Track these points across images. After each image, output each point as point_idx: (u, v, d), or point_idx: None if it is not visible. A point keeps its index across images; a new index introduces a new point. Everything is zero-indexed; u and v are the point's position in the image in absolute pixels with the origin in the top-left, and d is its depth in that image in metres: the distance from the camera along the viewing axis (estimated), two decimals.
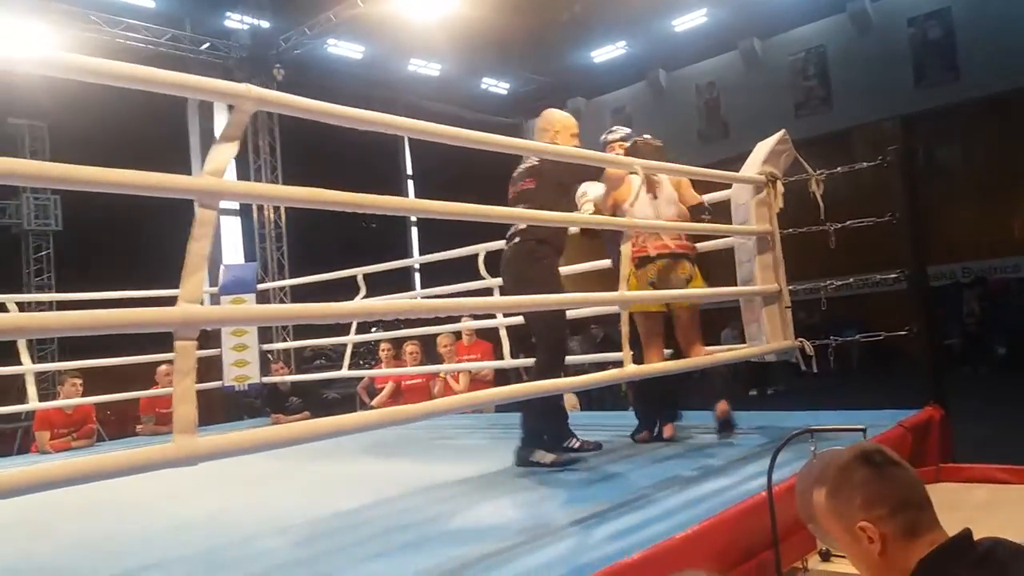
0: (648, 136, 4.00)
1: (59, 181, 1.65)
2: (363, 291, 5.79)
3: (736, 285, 3.96)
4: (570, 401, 6.34)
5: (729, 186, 4.06)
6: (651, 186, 3.74)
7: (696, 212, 3.80)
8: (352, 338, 6.19)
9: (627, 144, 3.95)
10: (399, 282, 10.76)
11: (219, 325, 2.10)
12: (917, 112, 15.23)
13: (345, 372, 6.50)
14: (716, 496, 2.57)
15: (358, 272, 5.81)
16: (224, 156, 1.79)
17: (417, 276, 17.29)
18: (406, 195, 17.84)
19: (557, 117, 3.69)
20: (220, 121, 15.16)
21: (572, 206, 3.62)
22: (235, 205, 15.15)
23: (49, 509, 3.33)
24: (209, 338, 6.56)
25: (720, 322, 12.98)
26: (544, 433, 3.44)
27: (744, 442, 3.57)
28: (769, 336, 3.77)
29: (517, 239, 3.49)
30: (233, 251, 14.63)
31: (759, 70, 17.61)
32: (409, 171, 18.68)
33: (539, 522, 2.45)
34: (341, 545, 2.44)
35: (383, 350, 7.23)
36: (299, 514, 2.92)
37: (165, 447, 1.61)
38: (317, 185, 2.06)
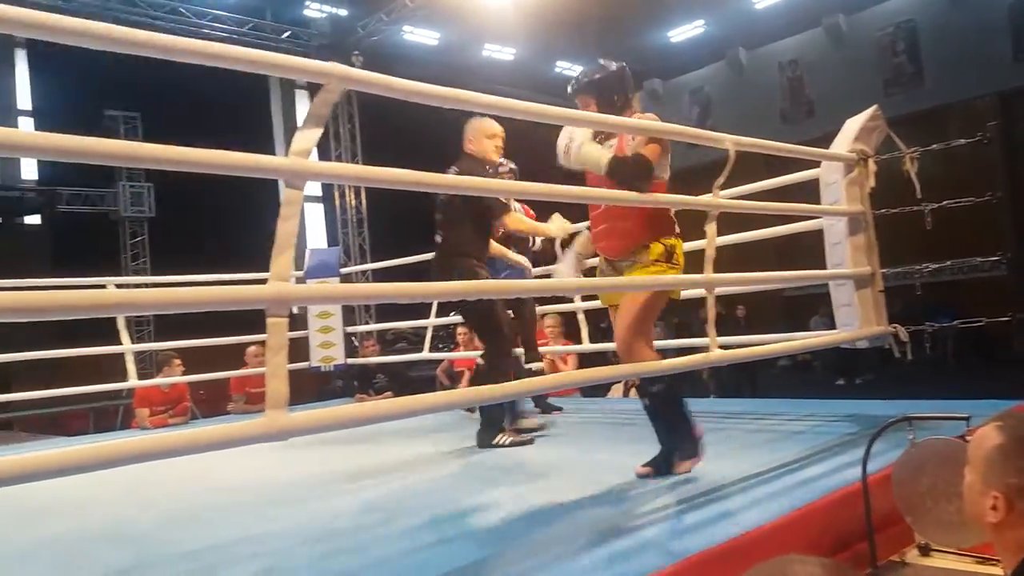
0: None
1: (153, 161, 1.70)
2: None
3: (825, 269, 3.82)
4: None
5: (817, 165, 3.91)
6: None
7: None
8: (432, 321, 6.24)
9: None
10: None
11: (308, 303, 2.15)
12: (1016, 88, 14.42)
13: (426, 355, 6.56)
14: (808, 484, 2.48)
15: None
16: (310, 137, 1.81)
17: None
18: None
19: (474, 126, 3.93)
20: (302, 112, 15.54)
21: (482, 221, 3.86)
22: (318, 192, 15.57)
23: (146, 483, 3.49)
24: (296, 320, 6.74)
25: (809, 308, 12.63)
26: (503, 418, 3.86)
27: (835, 430, 3.45)
28: (861, 321, 3.62)
29: (437, 252, 3.94)
30: (316, 237, 14.99)
31: (845, 46, 16.97)
32: None
33: (629, 508, 2.42)
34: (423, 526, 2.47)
35: (460, 334, 7.29)
36: (378, 489, 2.97)
37: (257, 422, 1.64)
38: None
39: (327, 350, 6.77)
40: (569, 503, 2.54)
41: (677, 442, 2.80)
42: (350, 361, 6.88)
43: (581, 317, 5.28)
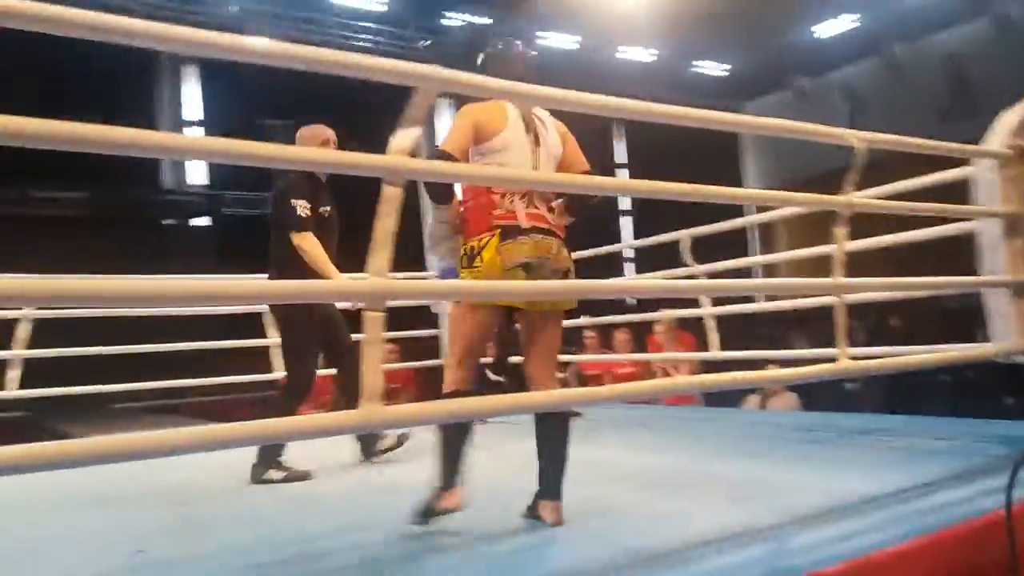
0: None
1: (266, 160, 1.77)
2: None
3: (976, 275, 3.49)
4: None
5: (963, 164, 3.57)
6: (532, 126, 2.62)
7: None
8: (578, 322, 6.23)
9: None
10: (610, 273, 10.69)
11: (406, 298, 2.16)
12: None
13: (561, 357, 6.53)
14: (945, 509, 2.27)
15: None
16: (408, 137, 1.83)
17: (630, 267, 17.26)
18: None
19: (304, 133, 3.70)
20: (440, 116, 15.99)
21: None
22: None
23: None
24: (432, 320, 6.92)
25: (975, 321, 11.62)
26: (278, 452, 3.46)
27: (985, 451, 3.14)
28: (1018, 334, 3.28)
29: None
30: None
31: (1014, 38, 15.55)
32: (622, 160, 18.57)
33: (742, 520, 2.30)
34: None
35: (588, 337, 7.23)
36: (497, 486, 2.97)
37: (353, 413, 1.67)
38: None
39: None
40: (683, 512, 2.45)
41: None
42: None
43: (711, 324, 5.09)
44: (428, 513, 2.37)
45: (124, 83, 12.22)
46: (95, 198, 12.40)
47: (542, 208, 2.56)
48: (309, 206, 3.57)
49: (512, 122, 2.55)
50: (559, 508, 2.40)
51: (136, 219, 13.18)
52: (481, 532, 2.35)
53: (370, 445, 3.80)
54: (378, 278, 1.74)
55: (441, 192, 2.52)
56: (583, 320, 6.58)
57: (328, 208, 3.73)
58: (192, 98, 14.44)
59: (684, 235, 5.02)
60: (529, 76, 2.45)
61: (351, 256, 3.19)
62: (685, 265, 5.05)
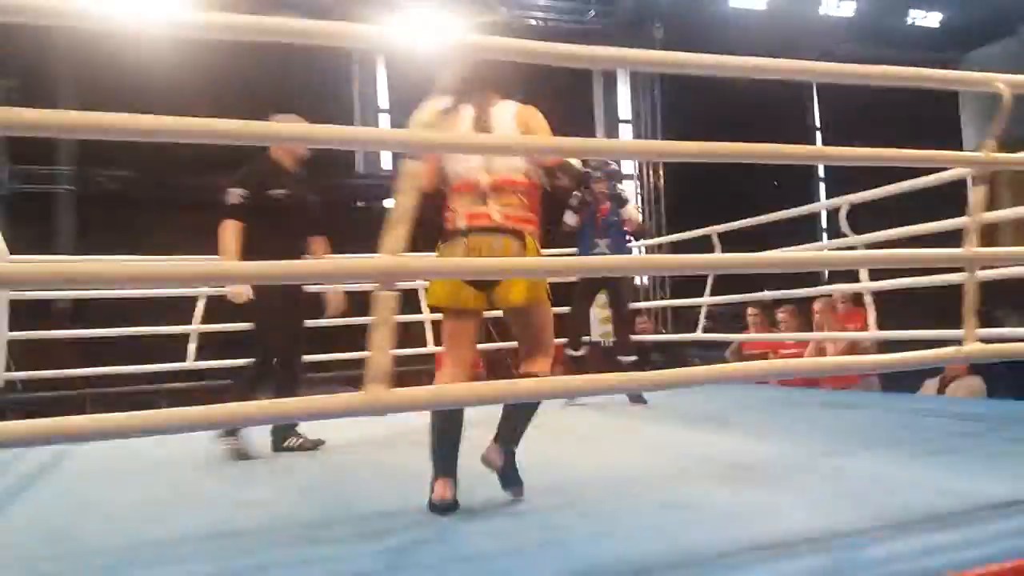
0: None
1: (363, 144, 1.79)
2: (718, 249, 5.49)
3: None
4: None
5: None
6: (482, 124, 2.58)
7: (551, 175, 2.64)
8: (706, 300, 5.91)
9: None
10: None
11: (420, 277, 2.14)
12: None
13: (699, 335, 6.23)
14: None
15: (712, 231, 5.53)
16: (430, 107, 1.78)
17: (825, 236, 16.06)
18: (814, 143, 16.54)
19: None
20: (623, 94, 15.65)
21: None
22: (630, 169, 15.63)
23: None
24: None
25: None
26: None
27: None
28: None
29: None
30: None
31: None
32: (817, 123, 17.24)
33: (884, 512, 2.07)
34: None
35: (750, 315, 6.83)
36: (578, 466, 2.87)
37: (357, 395, 1.66)
38: None
39: (606, 325, 6.77)
40: (760, 508, 2.23)
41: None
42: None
43: (868, 299, 4.60)
44: (435, 510, 2.38)
45: (322, 72, 12.96)
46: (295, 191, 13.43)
47: (494, 206, 2.54)
48: (242, 194, 3.64)
49: (459, 124, 2.56)
50: (493, 450, 2.49)
51: (333, 202, 14.13)
52: (537, 519, 2.29)
53: (280, 439, 3.69)
54: (389, 256, 1.70)
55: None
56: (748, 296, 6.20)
57: (283, 192, 3.71)
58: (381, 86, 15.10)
59: (841, 201, 4.56)
60: (513, 78, 2.65)
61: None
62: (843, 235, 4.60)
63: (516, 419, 2.54)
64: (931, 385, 5.56)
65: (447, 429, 2.44)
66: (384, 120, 15.14)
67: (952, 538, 1.90)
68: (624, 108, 16.23)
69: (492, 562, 1.90)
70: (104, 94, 11.39)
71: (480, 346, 6.38)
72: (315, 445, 3.70)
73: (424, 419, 2.41)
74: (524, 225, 2.57)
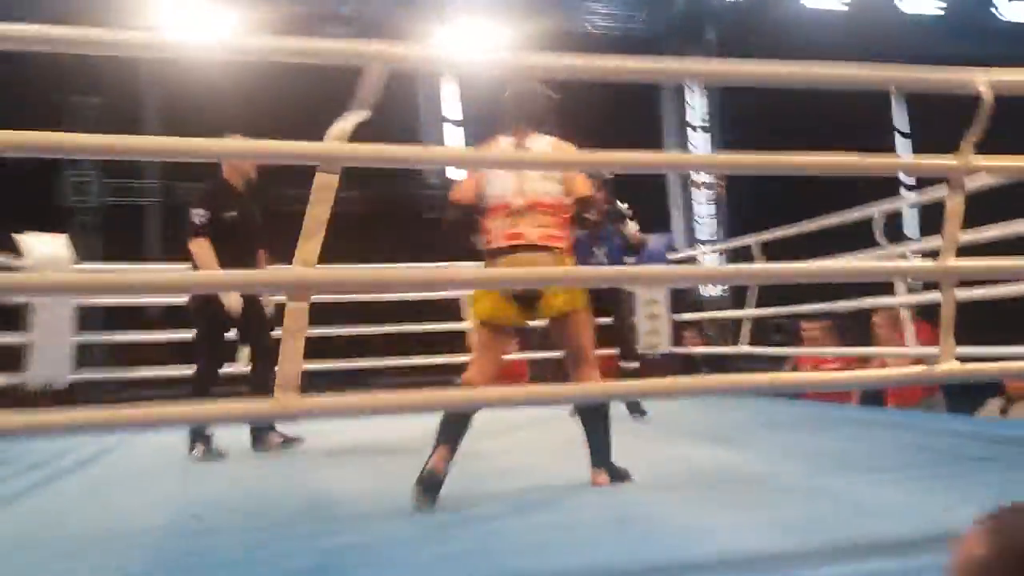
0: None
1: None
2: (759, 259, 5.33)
3: None
4: None
5: None
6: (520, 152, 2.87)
7: (582, 207, 2.88)
8: (750, 312, 5.74)
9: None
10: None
11: (331, 290, 2.19)
12: None
13: (742, 348, 6.04)
14: None
15: (752, 240, 5.37)
16: (351, 122, 1.80)
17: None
18: (895, 151, 15.83)
19: None
20: (695, 103, 15.38)
21: None
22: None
23: None
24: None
25: None
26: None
27: None
28: None
29: None
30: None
31: None
32: (903, 128, 16.50)
33: (767, 544, 1.97)
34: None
35: (804, 329, 6.57)
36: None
37: (266, 402, 1.69)
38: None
39: (652, 337, 6.66)
40: (707, 526, 2.16)
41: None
42: (674, 350, 6.65)
43: (905, 315, 4.36)
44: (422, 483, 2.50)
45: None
46: (368, 195, 13.75)
47: (528, 226, 2.78)
48: (205, 214, 3.80)
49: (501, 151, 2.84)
50: (598, 473, 2.78)
51: (403, 213, 14.39)
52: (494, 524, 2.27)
53: (262, 438, 3.88)
54: (302, 268, 1.73)
55: (458, 236, 2.95)
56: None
57: (234, 214, 3.86)
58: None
59: (876, 210, 4.35)
60: (546, 113, 2.94)
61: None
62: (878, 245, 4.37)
63: (592, 436, 2.82)
64: (994, 405, 5.22)
65: (455, 417, 2.64)
66: (448, 130, 15.38)
67: (905, 565, 1.79)
68: (694, 113, 16.00)
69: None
70: (184, 111, 12.04)
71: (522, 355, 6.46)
72: (292, 443, 3.91)
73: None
74: (555, 242, 2.81)
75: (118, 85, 12.08)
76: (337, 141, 1.78)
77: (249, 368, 4.01)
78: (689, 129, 15.43)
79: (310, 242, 1.75)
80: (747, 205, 13.69)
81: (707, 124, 15.49)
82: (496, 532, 2.22)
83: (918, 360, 5.06)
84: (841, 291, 5.05)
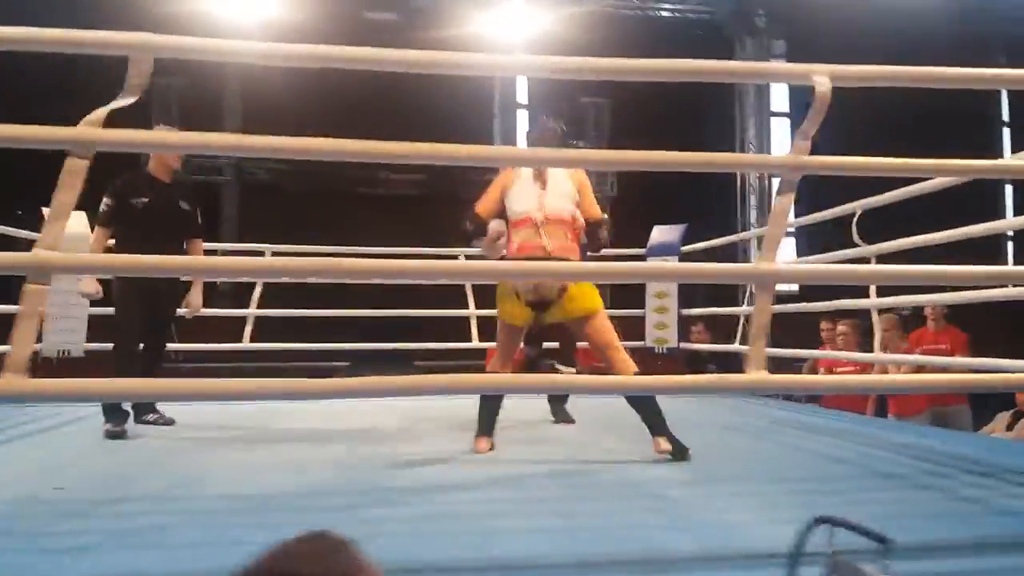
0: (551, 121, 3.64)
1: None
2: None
3: None
4: None
5: None
6: (539, 177, 3.32)
7: (593, 230, 3.38)
8: (743, 309, 5.46)
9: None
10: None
11: (69, 272, 2.17)
12: None
13: (736, 347, 5.73)
14: None
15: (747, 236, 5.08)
16: (110, 107, 1.82)
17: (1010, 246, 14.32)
18: (1000, 149, 14.65)
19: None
20: (777, 93, 14.72)
21: None
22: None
23: None
24: (636, 300, 6.60)
25: None
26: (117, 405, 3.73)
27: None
28: None
29: None
30: None
31: None
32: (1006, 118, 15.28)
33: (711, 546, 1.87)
34: None
35: (824, 330, 6.22)
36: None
37: None
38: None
39: (661, 331, 6.45)
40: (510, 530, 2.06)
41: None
42: (683, 345, 6.42)
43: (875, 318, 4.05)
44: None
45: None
46: (430, 179, 13.87)
47: (548, 238, 3.20)
48: (108, 202, 3.86)
49: (523, 175, 3.32)
50: (659, 441, 3.05)
51: (461, 198, 14.49)
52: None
53: (142, 412, 4.01)
54: (44, 251, 1.76)
55: (474, 230, 3.32)
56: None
57: (145, 200, 3.89)
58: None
59: (856, 207, 4.05)
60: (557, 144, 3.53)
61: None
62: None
63: (644, 412, 3.08)
64: (1002, 419, 4.81)
65: (491, 402, 3.30)
66: (523, 116, 15.31)
67: None
68: (778, 101, 15.30)
69: None
70: (265, 96, 12.49)
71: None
72: (168, 422, 4.04)
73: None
74: (570, 254, 3.24)
75: (201, 66, 12.59)
76: (90, 127, 1.80)
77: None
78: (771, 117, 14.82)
79: (54, 226, 1.78)
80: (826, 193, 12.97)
81: (788, 111, 14.84)
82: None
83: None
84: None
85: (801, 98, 14.18)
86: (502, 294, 3.32)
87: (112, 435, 3.68)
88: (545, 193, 3.28)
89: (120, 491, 2.53)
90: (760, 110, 14.95)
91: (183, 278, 4.10)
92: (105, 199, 3.92)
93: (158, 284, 3.87)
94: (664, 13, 12.55)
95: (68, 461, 3.16)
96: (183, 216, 4.07)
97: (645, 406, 3.08)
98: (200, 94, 13.05)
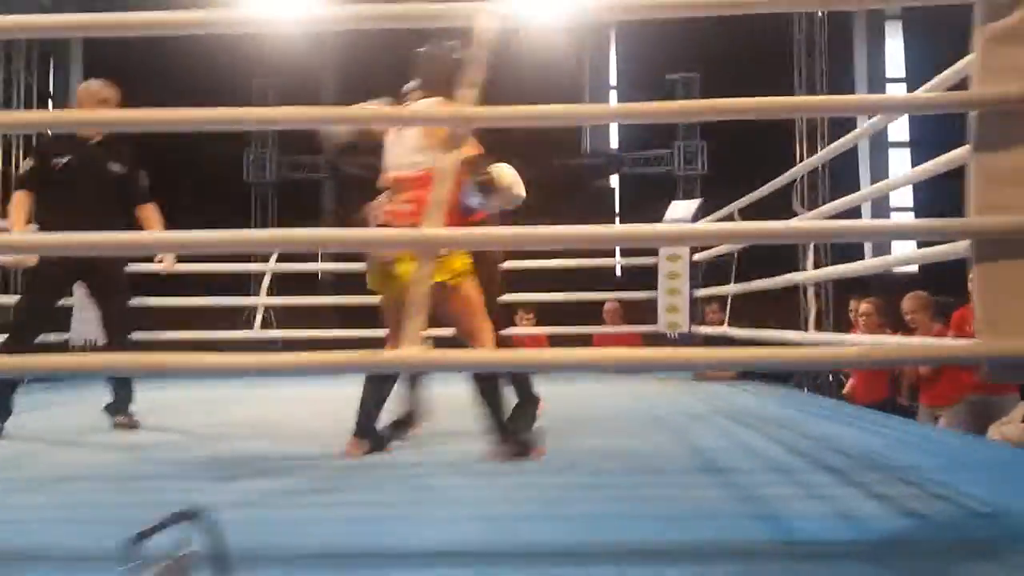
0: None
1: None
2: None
3: None
4: None
5: None
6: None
7: (471, 168, 2.67)
8: (732, 288, 5.04)
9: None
10: None
11: None
12: None
13: (723, 329, 5.30)
14: None
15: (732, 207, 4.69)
16: None
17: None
18: None
19: (80, 94, 3.66)
20: (892, 45, 13.56)
21: None
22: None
23: None
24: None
25: None
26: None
27: None
28: None
29: None
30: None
31: None
32: None
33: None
34: None
35: (851, 310, 5.65)
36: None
37: None
38: None
39: (672, 315, 6.08)
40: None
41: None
42: (695, 330, 6.01)
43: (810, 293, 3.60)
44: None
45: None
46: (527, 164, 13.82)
47: (396, 204, 2.78)
48: (28, 163, 3.60)
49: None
50: (495, 450, 2.72)
51: (559, 182, 14.23)
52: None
53: (118, 409, 3.61)
54: None
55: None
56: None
57: (65, 160, 3.48)
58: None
59: (794, 173, 3.63)
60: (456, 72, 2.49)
61: None
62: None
63: (485, 408, 2.75)
64: (1018, 412, 4.18)
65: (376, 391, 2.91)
66: (613, 97, 14.93)
67: None
68: (894, 65, 14.07)
69: None
70: (357, 93, 12.88)
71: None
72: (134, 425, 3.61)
73: None
74: (404, 219, 2.68)
75: (297, 68, 13.09)
76: None
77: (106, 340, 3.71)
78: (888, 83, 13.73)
79: None
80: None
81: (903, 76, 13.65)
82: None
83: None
84: None
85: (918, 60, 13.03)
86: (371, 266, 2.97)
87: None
88: (401, 138, 2.79)
89: None
90: (874, 77, 13.84)
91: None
92: (25, 160, 3.66)
93: (93, 262, 3.47)
94: None
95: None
96: (114, 179, 3.58)
97: (484, 403, 2.75)
98: (296, 94, 13.59)
